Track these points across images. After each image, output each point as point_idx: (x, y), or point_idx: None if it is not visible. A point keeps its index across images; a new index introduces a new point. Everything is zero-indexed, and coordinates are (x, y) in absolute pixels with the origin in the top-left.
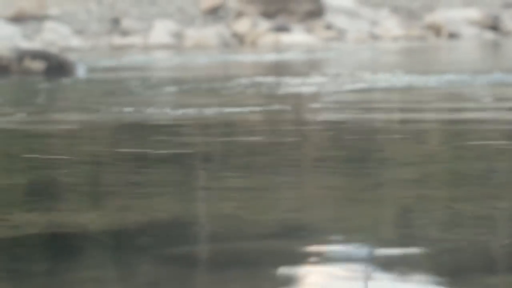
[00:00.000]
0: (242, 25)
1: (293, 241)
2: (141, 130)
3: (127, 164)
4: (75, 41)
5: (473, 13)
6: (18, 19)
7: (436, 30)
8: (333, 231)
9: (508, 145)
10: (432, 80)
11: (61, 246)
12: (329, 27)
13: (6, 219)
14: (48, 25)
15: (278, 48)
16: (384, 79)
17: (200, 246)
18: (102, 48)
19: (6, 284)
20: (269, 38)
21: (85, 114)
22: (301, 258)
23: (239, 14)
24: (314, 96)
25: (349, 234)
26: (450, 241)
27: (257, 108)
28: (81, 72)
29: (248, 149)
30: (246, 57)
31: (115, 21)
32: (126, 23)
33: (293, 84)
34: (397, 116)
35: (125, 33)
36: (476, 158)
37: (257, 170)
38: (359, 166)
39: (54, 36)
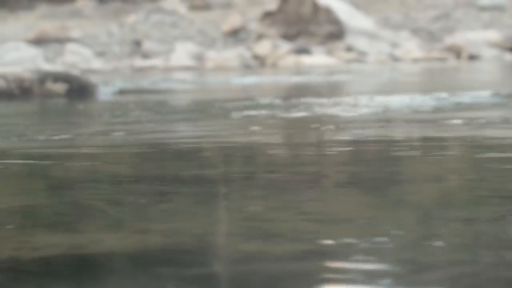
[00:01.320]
0: (263, 47)
1: (315, 262)
2: (162, 152)
3: (148, 186)
4: (97, 64)
5: (493, 34)
6: (40, 41)
7: (456, 51)
8: (353, 251)
9: None
10: (452, 100)
11: (83, 268)
12: (349, 49)
13: (28, 241)
14: (70, 47)
15: (298, 70)
16: (404, 99)
17: (223, 268)
18: (123, 70)
19: None
20: (290, 60)
21: (106, 136)
22: (324, 279)
23: (260, 36)
24: (334, 116)
25: (369, 255)
26: (470, 263)
27: (278, 130)
28: (102, 94)
29: (269, 169)
30: (268, 78)
31: (137, 44)
32: (147, 45)
33: (313, 105)
34: (418, 134)
35: (146, 55)
36: (499, 177)
37: (279, 190)
38: (379, 184)
39: (76, 59)
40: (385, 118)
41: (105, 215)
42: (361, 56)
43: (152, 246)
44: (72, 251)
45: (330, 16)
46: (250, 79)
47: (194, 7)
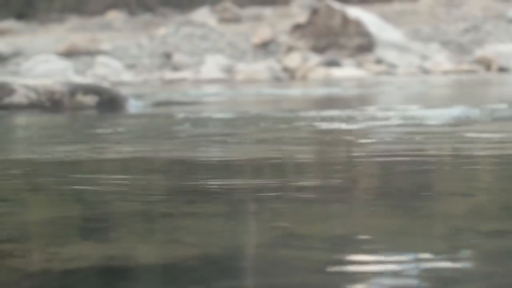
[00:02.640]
0: (293, 60)
1: (343, 275)
2: (190, 164)
3: (178, 197)
4: (127, 76)
5: None
6: (70, 54)
7: (486, 64)
8: (382, 264)
9: None
10: (484, 113)
11: (114, 280)
12: (379, 61)
13: (59, 252)
14: (100, 59)
15: (328, 82)
16: (436, 112)
17: (251, 280)
18: (153, 83)
19: None
20: (320, 73)
21: (136, 147)
22: None
23: (290, 49)
24: (365, 129)
25: (398, 268)
26: (500, 276)
27: (308, 142)
28: (132, 106)
29: (299, 182)
30: (297, 91)
31: (167, 56)
32: (177, 57)
33: (342, 117)
34: (448, 148)
35: (176, 67)
36: None
37: (308, 202)
38: (408, 197)
39: (106, 71)
40: (416, 131)
41: (136, 227)
42: (391, 69)
43: (182, 257)
44: (104, 263)
45: (360, 29)
46: (280, 91)
47: (224, 20)
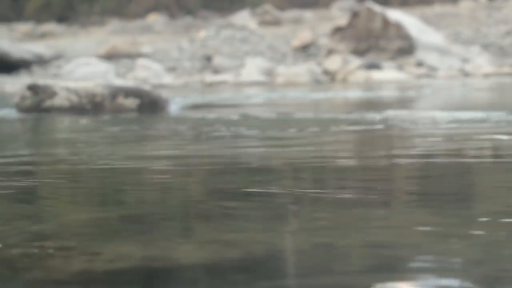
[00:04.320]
0: (333, 62)
1: (383, 277)
2: (231, 165)
3: (218, 198)
4: (167, 79)
5: None
6: (111, 56)
7: None
8: (423, 267)
9: None
10: None
11: (155, 280)
12: (419, 64)
13: (100, 253)
14: (141, 62)
15: (369, 85)
16: (477, 114)
17: (295, 280)
18: (194, 85)
19: None
20: (360, 75)
21: (177, 150)
22: None
23: (330, 52)
24: (406, 130)
25: (439, 272)
26: None
27: (349, 143)
28: (173, 109)
29: (338, 184)
30: (338, 93)
31: (207, 59)
32: (217, 60)
33: (385, 119)
34: (491, 149)
35: (216, 70)
36: None
37: (348, 205)
38: (450, 200)
39: (147, 74)
40: (458, 133)
41: (176, 227)
42: (432, 71)
43: (223, 257)
44: (144, 263)
45: (400, 31)
46: (321, 95)
47: (264, 23)
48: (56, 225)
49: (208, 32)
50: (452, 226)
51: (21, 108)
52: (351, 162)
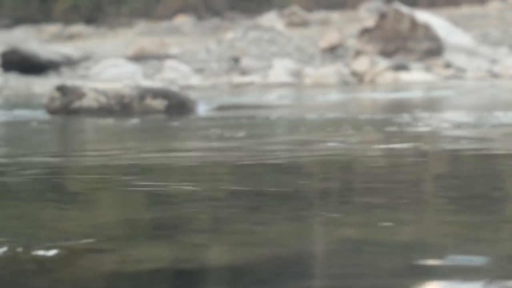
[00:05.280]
0: (361, 64)
1: (413, 279)
2: (258, 166)
3: (246, 201)
4: (195, 80)
5: None
6: (139, 58)
7: None
8: (453, 269)
9: None
10: None
11: (187, 281)
12: (448, 65)
13: (130, 254)
14: (169, 63)
15: (397, 86)
16: (507, 115)
17: (324, 281)
18: (221, 87)
19: None
20: (388, 77)
21: (206, 151)
22: None
23: (358, 53)
24: (436, 131)
25: (470, 274)
26: None
27: (378, 143)
28: (201, 110)
29: (366, 183)
30: (367, 95)
31: (235, 60)
32: (245, 62)
33: (414, 120)
34: None
35: (244, 72)
36: None
37: (375, 205)
38: (480, 201)
39: (174, 75)
40: (488, 134)
41: (206, 229)
42: (460, 73)
43: (253, 259)
44: (176, 265)
45: (428, 33)
46: (349, 95)
47: (291, 24)
48: (87, 226)
49: (236, 34)
50: (482, 228)
51: (50, 109)
52: (379, 161)
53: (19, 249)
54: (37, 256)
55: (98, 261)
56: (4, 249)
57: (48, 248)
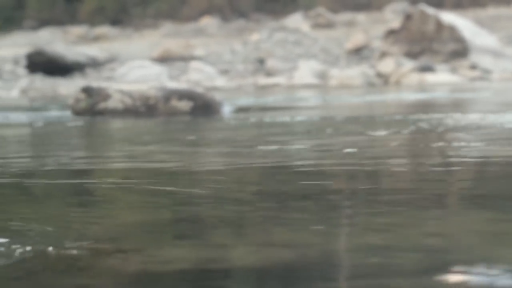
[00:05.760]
0: (387, 65)
1: (438, 278)
2: (284, 168)
3: (271, 201)
4: (220, 81)
5: None
6: (164, 59)
7: None
8: (476, 269)
9: None
10: None
11: (212, 282)
12: (473, 66)
13: (155, 254)
14: (194, 65)
15: (423, 87)
16: None
17: (349, 282)
18: (247, 88)
19: None
20: (414, 78)
21: (230, 153)
22: None
23: (383, 54)
24: (461, 132)
25: (493, 274)
26: None
27: (402, 145)
28: (227, 111)
29: (391, 184)
30: (393, 96)
31: (260, 62)
32: (270, 63)
33: (439, 121)
34: None
35: (269, 73)
36: None
37: (402, 205)
38: (505, 203)
39: (200, 76)
40: None
41: (230, 230)
42: (486, 74)
43: (277, 260)
44: (200, 265)
45: (454, 34)
46: (375, 97)
47: (317, 25)
48: (113, 227)
49: (261, 35)
50: (508, 229)
51: (75, 111)
52: (404, 163)
53: (49, 249)
54: (65, 255)
55: (124, 261)
56: (35, 248)
57: (76, 248)
